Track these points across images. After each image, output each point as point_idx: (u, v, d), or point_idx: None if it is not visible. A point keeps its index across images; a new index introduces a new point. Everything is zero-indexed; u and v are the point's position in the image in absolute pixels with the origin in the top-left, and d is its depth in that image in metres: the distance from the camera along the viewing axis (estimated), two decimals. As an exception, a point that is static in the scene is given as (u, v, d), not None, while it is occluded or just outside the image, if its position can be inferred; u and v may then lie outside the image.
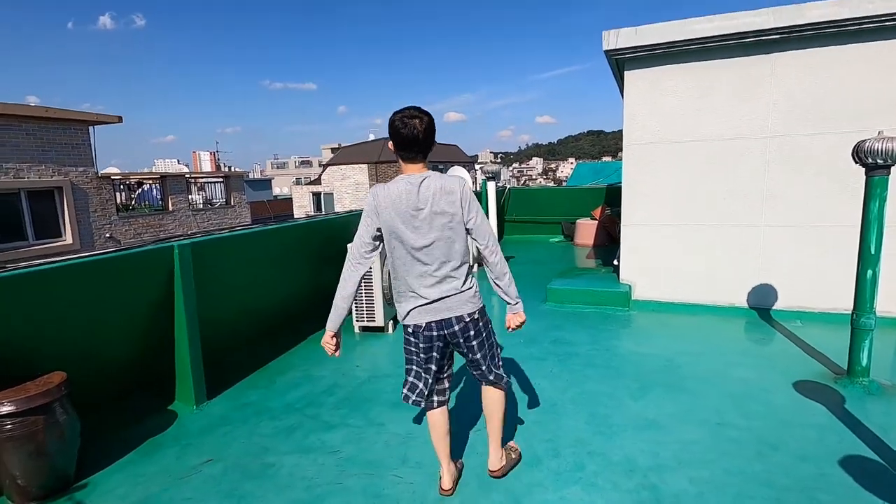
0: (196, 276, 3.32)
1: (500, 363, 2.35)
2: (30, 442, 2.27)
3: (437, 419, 2.28)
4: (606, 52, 4.65)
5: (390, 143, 2.08)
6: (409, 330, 2.18)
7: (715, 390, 3.17)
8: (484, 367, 2.26)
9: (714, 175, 4.61)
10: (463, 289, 2.12)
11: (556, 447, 2.62)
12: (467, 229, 2.09)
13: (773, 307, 4.57)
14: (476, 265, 6.83)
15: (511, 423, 2.88)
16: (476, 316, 2.17)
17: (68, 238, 12.06)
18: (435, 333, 2.13)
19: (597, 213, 9.24)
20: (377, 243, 2.14)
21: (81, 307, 2.86)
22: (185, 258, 3.21)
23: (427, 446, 2.65)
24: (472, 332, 2.16)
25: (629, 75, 4.79)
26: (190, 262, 3.26)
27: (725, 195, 4.60)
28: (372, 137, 33.31)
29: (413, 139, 2.00)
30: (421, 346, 2.16)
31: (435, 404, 2.27)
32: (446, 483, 2.27)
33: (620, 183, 5.16)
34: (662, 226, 4.87)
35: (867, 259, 3.03)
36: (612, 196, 9.33)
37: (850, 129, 4.09)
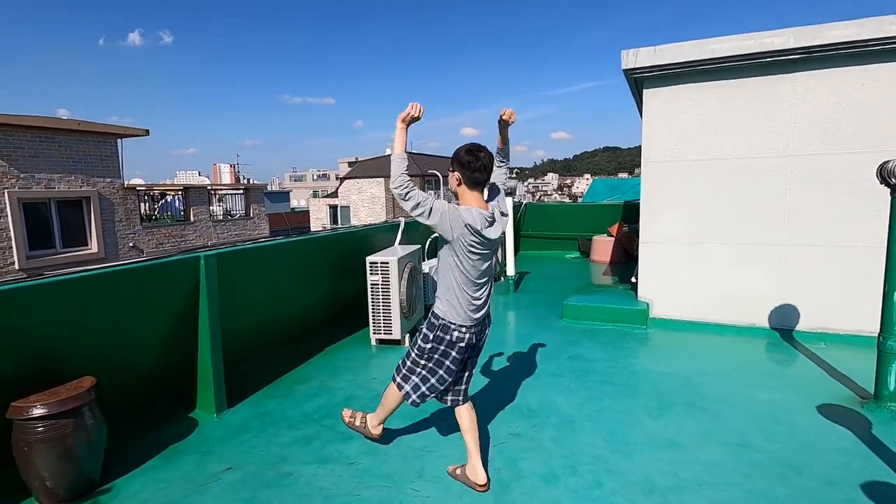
0: (220, 286, 3.40)
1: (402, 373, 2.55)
2: (59, 444, 2.34)
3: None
4: (625, 70, 4.69)
5: (454, 174, 2.31)
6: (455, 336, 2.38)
7: (736, 411, 3.12)
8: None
9: (734, 193, 4.58)
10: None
11: (574, 464, 2.60)
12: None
13: (796, 328, 4.49)
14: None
15: (526, 438, 2.87)
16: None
17: (94, 247, 12.40)
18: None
19: (613, 229, 9.20)
20: (415, 194, 2.27)
21: (111, 314, 2.95)
22: (210, 268, 3.30)
23: (444, 460, 2.66)
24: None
25: (648, 93, 4.82)
26: (215, 272, 3.34)
27: (746, 213, 4.56)
28: (388, 152, 33.73)
29: (485, 168, 2.29)
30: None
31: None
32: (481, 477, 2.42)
33: (637, 200, 5.16)
34: (681, 243, 4.84)
35: (894, 280, 2.98)
36: (630, 213, 9.30)
37: (873, 148, 4.05)
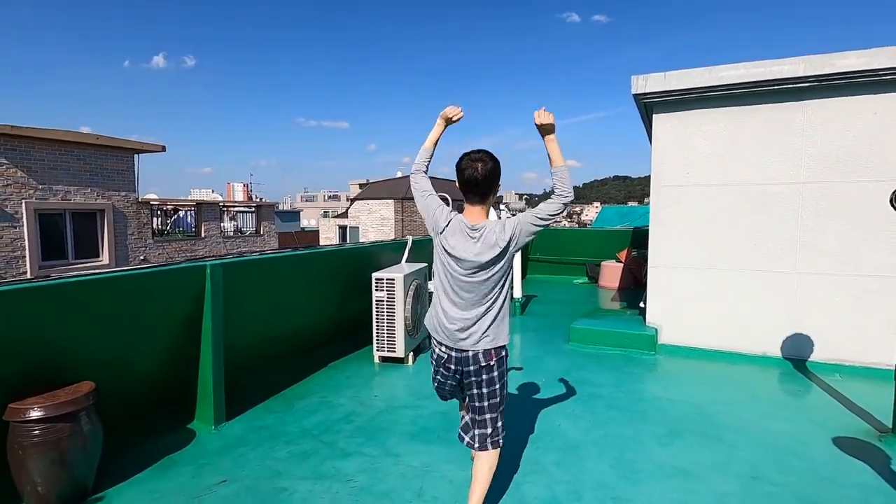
0: (225, 297, 3.39)
1: None
2: (54, 449, 2.30)
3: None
4: (635, 95, 4.73)
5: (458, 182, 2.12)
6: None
7: (749, 441, 3.01)
8: None
9: (744, 220, 4.54)
10: None
11: (578, 490, 2.51)
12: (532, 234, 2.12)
13: (810, 359, 4.37)
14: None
15: (529, 462, 2.78)
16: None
17: (105, 259, 12.53)
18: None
19: (622, 255, 9.13)
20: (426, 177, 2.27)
21: (114, 320, 2.94)
22: (216, 277, 3.30)
23: (443, 481, 2.58)
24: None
25: (657, 118, 4.84)
26: (220, 281, 3.34)
27: (756, 240, 4.51)
28: (399, 174, 34.13)
29: (473, 181, 2.04)
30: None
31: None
32: None
33: (647, 226, 5.12)
34: (691, 269, 4.78)
35: (910, 309, 2.90)
36: (639, 239, 9.24)
37: (885, 176, 4.01)
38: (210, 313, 3.27)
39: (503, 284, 2.10)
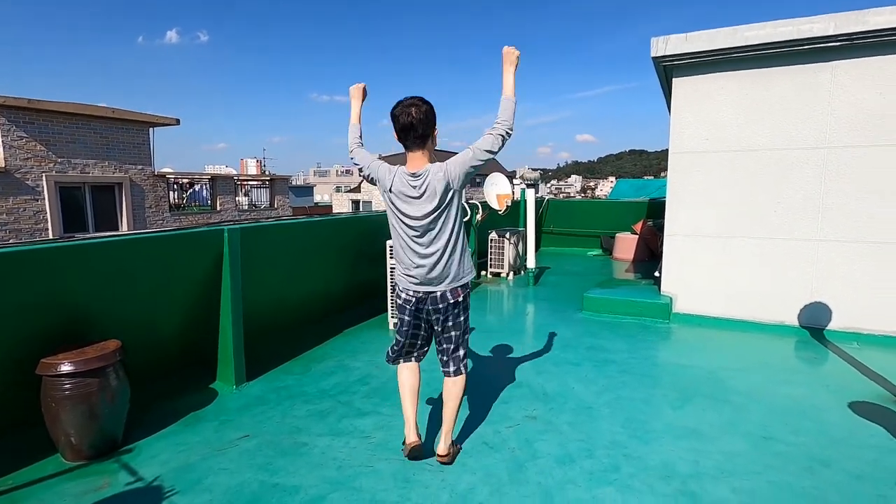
0: (242, 261, 3.45)
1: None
2: (84, 402, 2.41)
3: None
4: (654, 58, 4.59)
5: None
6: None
7: (760, 405, 3.02)
8: None
9: (765, 186, 4.44)
10: None
11: (590, 448, 2.55)
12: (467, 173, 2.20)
13: (827, 327, 4.32)
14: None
15: (543, 421, 2.83)
16: None
17: (124, 231, 12.78)
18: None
19: (638, 226, 9.03)
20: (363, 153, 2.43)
21: (138, 280, 3.03)
22: (233, 241, 3.35)
23: (459, 440, 2.64)
24: None
25: (677, 82, 4.70)
26: (238, 245, 3.39)
27: (777, 207, 4.41)
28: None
29: (408, 126, 2.12)
30: None
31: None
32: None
33: (663, 198, 5.04)
34: (708, 237, 4.71)
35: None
36: (655, 211, 9.11)
37: (917, 140, 3.87)
38: (229, 276, 3.34)
39: (455, 223, 2.23)
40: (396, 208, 2.22)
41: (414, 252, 2.24)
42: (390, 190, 2.21)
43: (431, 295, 2.28)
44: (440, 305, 2.28)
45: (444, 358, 2.43)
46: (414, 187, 2.15)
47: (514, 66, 2.14)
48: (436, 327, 2.38)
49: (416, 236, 2.22)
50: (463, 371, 2.43)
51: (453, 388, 2.41)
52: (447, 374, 2.43)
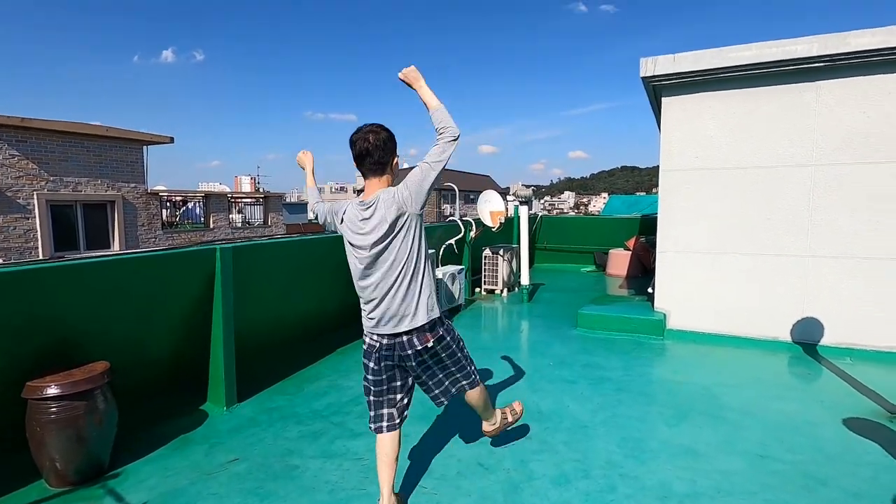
0: (235, 280, 3.43)
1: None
2: (71, 426, 2.36)
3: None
4: (644, 78, 4.68)
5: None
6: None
7: (756, 422, 3.01)
8: None
9: (755, 203, 4.49)
10: None
11: (586, 468, 2.52)
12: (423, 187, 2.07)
13: (820, 343, 4.34)
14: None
15: (538, 441, 2.81)
16: None
17: (116, 249, 12.67)
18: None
19: (631, 243, 9.08)
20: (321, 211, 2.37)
21: (127, 301, 2.99)
22: (226, 261, 3.33)
23: (452, 460, 2.61)
24: None
25: (666, 101, 4.79)
26: (230, 265, 3.37)
27: (766, 224, 4.46)
28: (405, 165, 34.05)
29: (364, 152, 2.03)
30: None
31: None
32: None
33: (655, 214, 5.09)
34: (700, 254, 4.75)
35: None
36: (647, 227, 9.18)
37: (901, 158, 3.95)
38: (220, 296, 3.31)
39: (410, 253, 2.03)
40: (347, 240, 2.11)
41: (363, 286, 2.09)
42: (342, 222, 2.13)
43: (398, 341, 2.06)
44: (408, 352, 2.07)
45: (453, 391, 2.27)
46: (364, 218, 2.04)
47: (421, 80, 2.12)
48: (421, 376, 2.20)
49: (365, 268, 2.06)
50: (478, 383, 2.34)
51: (473, 396, 2.35)
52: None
